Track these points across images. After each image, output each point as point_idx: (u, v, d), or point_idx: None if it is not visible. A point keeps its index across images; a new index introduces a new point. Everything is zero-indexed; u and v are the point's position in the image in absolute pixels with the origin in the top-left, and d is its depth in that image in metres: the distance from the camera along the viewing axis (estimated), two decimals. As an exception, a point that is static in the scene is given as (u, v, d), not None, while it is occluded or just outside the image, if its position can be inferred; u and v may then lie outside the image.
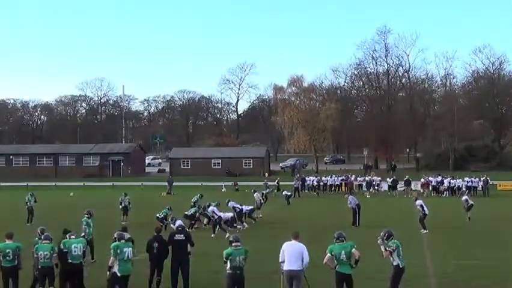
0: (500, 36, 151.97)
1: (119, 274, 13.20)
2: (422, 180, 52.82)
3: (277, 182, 53.19)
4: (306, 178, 56.20)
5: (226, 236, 22.43)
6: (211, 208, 27.12)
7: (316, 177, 57.23)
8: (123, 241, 13.51)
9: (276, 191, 47.34)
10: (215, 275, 16.44)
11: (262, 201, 33.72)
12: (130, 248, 13.51)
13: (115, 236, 13.89)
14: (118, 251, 13.25)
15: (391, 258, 12.86)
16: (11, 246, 13.51)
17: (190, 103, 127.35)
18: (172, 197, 49.64)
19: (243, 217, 29.16)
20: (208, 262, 17.98)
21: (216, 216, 26.34)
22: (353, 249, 12.53)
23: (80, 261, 13.98)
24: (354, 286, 12.64)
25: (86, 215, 19.97)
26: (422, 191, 50.75)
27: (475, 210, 31.29)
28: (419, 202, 27.30)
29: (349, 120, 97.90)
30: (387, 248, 12.84)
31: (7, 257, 13.41)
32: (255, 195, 33.10)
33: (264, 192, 42.14)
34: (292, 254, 12.88)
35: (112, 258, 13.23)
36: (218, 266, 13.69)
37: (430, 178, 52.85)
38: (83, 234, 18.39)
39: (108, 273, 13.38)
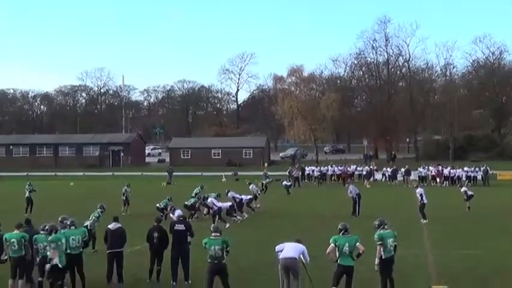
0: (501, 25, 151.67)
1: (60, 266, 13.07)
2: (420, 170, 52.64)
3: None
4: (307, 168, 56.13)
5: (227, 226, 22.48)
6: (210, 200, 27.14)
7: (316, 167, 57.20)
8: (62, 231, 13.46)
9: (288, 179, 47.22)
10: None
11: (259, 192, 33.55)
12: (64, 239, 13.42)
13: (47, 228, 13.61)
14: (59, 242, 13.15)
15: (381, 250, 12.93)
16: (16, 237, 13.56)
17: (190, 93, 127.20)
18: (172, 187, 49.64)
19: (242, 207, 29.17)
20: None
21: (216, 207, 26.35)
22: (358, 243, 12.56)
23: (79, 251, 13.99)
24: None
25: (100, 209, 19.82)
26: (438, 180, 50.55)
27: (474, 200, 31.29)
28: (419, 190, 27.34)
29: (349, 110, 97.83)
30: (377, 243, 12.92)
31: (12, 247, 13.50)
32: (250, 187, 32.95)
33: (264, 182, 42.14)
34: (291, 246, 13.11)
35: (53, 250, 13.06)
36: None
37: (431, 168, 52.77)
38: (86, 224, 18.29)
39: (48, 265, 13.10)
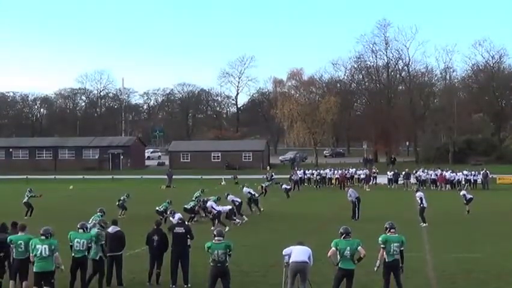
0: (500, 29, 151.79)
1: (34, 270, 12.94)
2: (420, 173, 52.63)
3: (271, 177, 52.95)
4: (299, 172, 55.61)
5: (226, 229, 22.48)
6: (209, 203, 27.12)
7: (316, 170, 57.16)
8: (44, 237, 13.03)
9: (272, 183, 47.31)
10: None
11: (255, 194, 32.84)
12: (46, 246, 12.87)
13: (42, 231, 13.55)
14: (32, 246, 12.93)
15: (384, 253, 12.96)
16: (23, 238, 13.48)
17: (190, 96, 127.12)
18: (172, 190, 49.62)
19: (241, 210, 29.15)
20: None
21: (215, 211, 26.35)
22: (359, 247, 12.57)
23: (83, 255, 13.93)
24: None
25: (100, 213, 19.69)
26: (438, 184, 50.56)
27: (474, 203, 31.32)
28: (419, 194, 27.36)
29: (349, 114, 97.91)
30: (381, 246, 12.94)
31: (19, 249, 13.42)
32: (243, 190, 32.28)
33: (264, 185, 42.15)
34: (300, 250, 13.11)
35: (31, 254, 12.95)
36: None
37: (430, 171, 52.80)
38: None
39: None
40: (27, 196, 30.96)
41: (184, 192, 37.70)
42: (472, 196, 31.63)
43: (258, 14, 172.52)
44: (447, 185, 50.39)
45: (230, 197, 29.17)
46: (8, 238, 13.78)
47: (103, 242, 14.41)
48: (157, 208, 27.63)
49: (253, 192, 32.29)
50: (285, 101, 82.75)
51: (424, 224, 26.22)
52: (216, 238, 12.80)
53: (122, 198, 31.19)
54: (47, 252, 12.78)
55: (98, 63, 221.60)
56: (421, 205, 26.87)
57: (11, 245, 13.61)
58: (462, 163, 68.14)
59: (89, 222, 19.30)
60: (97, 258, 14.31)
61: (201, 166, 74.27)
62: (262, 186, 41.59)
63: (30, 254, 12.97)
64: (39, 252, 12.76)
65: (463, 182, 49.29)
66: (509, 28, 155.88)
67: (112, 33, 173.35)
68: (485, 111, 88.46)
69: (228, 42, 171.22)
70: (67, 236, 14.11)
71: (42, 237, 12.93)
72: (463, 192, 32.47)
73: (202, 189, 32.17)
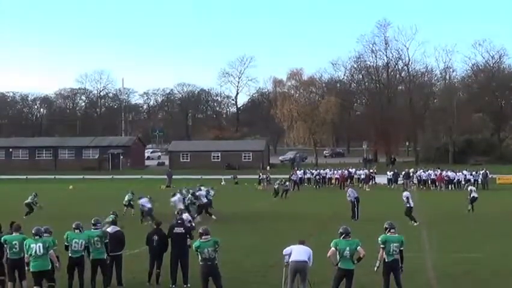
0: (500, 29, 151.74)
1: (30, 270, 12.93)
2: (420, 173, 52.63)
3: (260, 178, 52.97)
4: (298, 172, 55.52)
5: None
6: (140, 201, 27.82)
7: (316, 170, 57.17)
8: (37, 237, 12.97)
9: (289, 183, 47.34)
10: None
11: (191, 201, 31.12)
12: (40, 244, 12.79)
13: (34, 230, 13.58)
14: (26, 246, 12.92)
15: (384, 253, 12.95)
16: (18, 238, 13.45)
17: (190, 96, 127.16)
18: (172, 190, 49.50)
19: (203, 210, 29.05)
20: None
21: (146, 208, 27.26)
22: (359, 247, 12.57)
23: (81, 255, 13.91)
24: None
25: (112, 215, 19.63)
26: (437, 184, 50.54)
27: (474, 203, 31.29)
28: (406, 194, 27.51)
29: (349, 114, 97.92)
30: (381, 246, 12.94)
31: (14, 249, 13.37)
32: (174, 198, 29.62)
33: (275, 186, 42.38)
34: (300, 249, 13.10)
35: (26, 255, 12.94)
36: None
37: (430, 171, 52.78)
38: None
39: (27, 268, 13.11)
40: (31, 199, 30.78)
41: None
42: (477, 196, 31.67)
43: (258, 14, 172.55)
44: (449, 185, 50.39)
45: (199, 193, 29.38)
46: (2, 238, 13.77)
47: (107, 241, 14.41)
48: (149, 206, 27.89)
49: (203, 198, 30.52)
50: (285, 101, 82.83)
51: (415, 223, 26.20)
52: (203, 237, 12.87)
53: (128, 198, 31.18)
54: (42, 251, 12.78)
55: (98, 63, 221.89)
56: (407, 205, 26.90)
57: (5, 245, 13.60)
58: (462, 163, 68.16)
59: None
60: (105, 257, 14.29)
61: (200, 166, 74.25)
62: (274, 187, 41.91)
63: (25, 255, 12.96)
64: (33, 251, 12.76)
65: (463, 182, 49.32)
66: (509, 28, 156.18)
67: (112, 33, 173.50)
68: (485, 111, 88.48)
69: (228, 42, 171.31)
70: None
71: (36, 237, 12.91)
72: (471, 187, 32.50)
73: (187, 188, 31.82)
